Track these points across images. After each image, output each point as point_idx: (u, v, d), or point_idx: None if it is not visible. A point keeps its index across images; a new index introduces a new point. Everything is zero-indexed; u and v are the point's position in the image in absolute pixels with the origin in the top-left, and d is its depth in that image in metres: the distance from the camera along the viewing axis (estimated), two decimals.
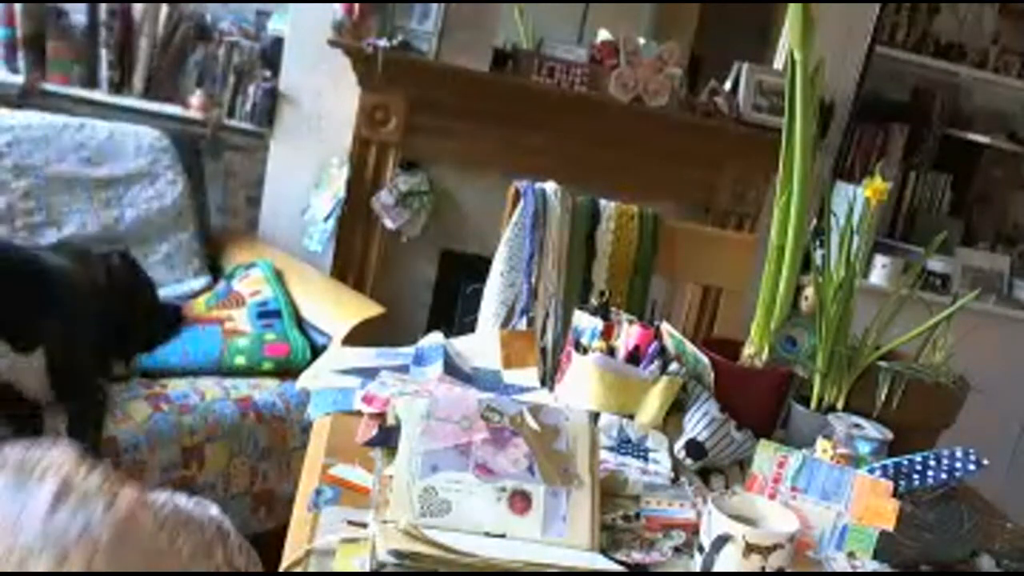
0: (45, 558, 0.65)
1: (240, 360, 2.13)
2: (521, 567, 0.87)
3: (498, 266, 1.66)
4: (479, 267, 2.00)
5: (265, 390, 2.09)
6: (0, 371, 1.74)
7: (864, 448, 1.16)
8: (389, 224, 2.78)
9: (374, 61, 2.58)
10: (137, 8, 2.69)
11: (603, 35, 2.90)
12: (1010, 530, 1.19)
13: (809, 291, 1.34)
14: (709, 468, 1.22)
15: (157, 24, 2.71)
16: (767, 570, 0.92)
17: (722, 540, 0.92)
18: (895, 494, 1.05)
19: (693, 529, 1.02)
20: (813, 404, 1.30)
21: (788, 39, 1.23)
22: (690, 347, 1.27)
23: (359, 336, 2.19)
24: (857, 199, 1.32)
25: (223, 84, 2.79)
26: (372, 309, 2.30)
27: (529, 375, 1.39)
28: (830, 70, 2.92)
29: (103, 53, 2.69)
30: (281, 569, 0.88)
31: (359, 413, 1.16)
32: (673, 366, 1.27)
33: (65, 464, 0.70)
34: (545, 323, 1.63)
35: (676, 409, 1.24)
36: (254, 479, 2.05)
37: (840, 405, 1.28)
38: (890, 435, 1.18)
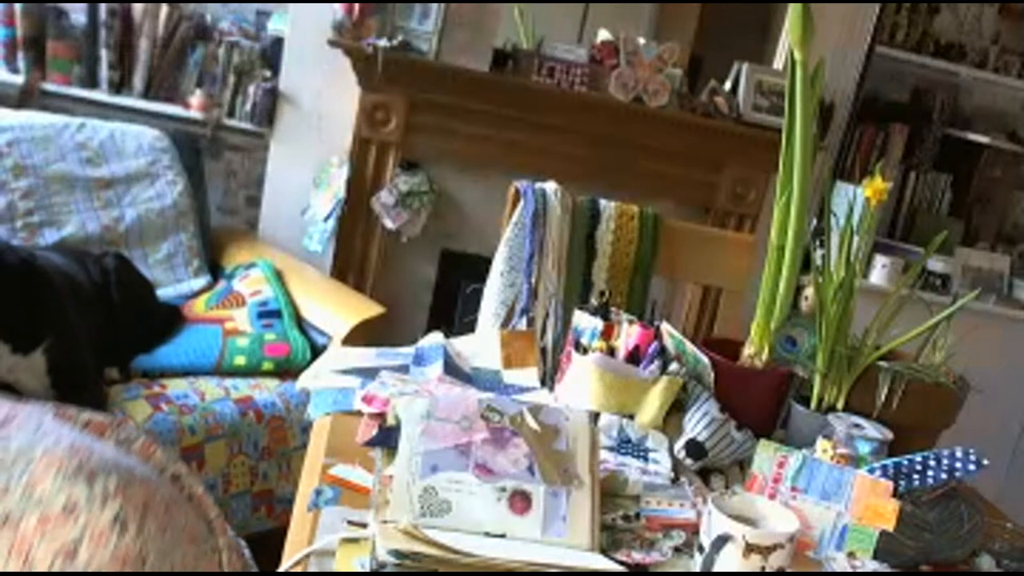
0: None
1: (240, 360, 2.13)
2: (521, 567, 0.87)
3: (498, 266, 1.66)
4: (479, 267, 2.00)
5: (265, 390, 2.09)
6: (0, 372, 1.74)
7: (864, 448, 1.16)
8: (389, 224, 2.78)
9: (374, 61, 2.58)
10: (137, 8, 2.69)
11: (603, 35, 2.90)
12: (1010, 530, 1.19)
13: (809, 291, 1.34)
14: (709, 468, 1.22)
15: (157, 24, 2.71)
16: (767, 570, 0.92)
17: (722, 540, 0.92)
18: (895, 494, 1.05)
19: (693, 529, 1.02)
20: (813, 404, 1.30)
21: (788, 39, 1.23)
22: (690, 347, 1.27)
23: (359, 336, 2.20)
24: (857, 199, 1.32)
25: (223, 84, 2.79)
26: (372, 309, 2.30)
27: (529, 375, 1.39)
28: (830, 70, 2.95)
29: (103, 53, 2.69)
30: (281, 569, 0.88)
31: (359, 413, 1.16)
32: (673, 366, 1.27)
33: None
34: (545, 323, 1.63)
35: (676, 409, 1.24)
36: (254, 479, 2.05)
37: (840, 405, 1.28)
38: (890, 435, 1.18)
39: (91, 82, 2.71)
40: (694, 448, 1.19)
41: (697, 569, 0.95)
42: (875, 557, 1.05)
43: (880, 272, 3.06)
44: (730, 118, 2.89)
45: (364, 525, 0.94)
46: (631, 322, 1.30)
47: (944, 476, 1.08)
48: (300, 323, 2.31)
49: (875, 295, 2.81)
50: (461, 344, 1.44)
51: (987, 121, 3.38)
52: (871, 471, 1.09)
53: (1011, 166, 3.39)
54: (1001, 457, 3.18)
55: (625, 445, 1.20)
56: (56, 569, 0.51)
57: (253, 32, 2.86)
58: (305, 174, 2.84)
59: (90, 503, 0.55)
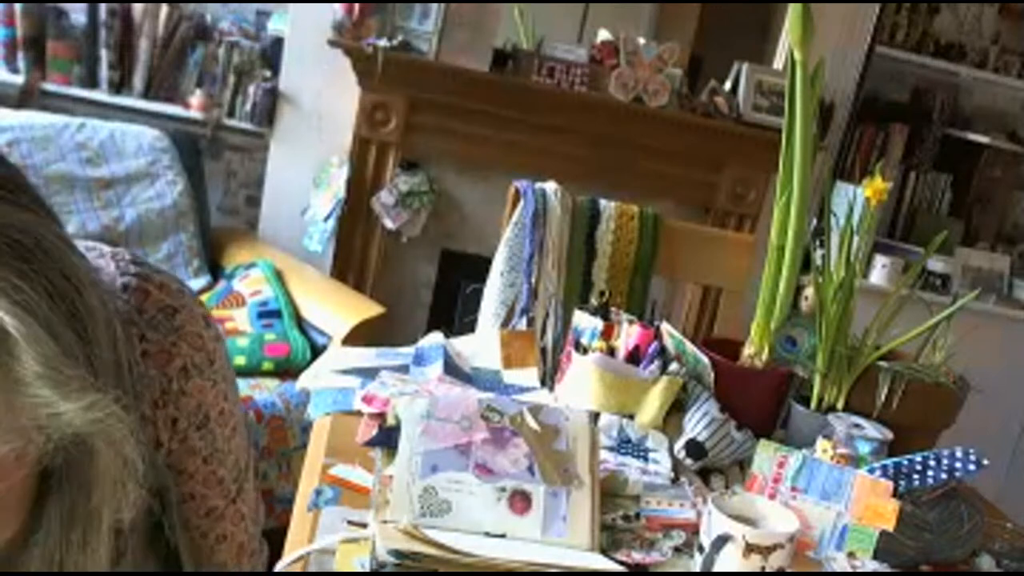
0: None
1: (240, 360, 2.13)
2: (521, 567, 0.87)
3: (498, 266, 1.66)
4: (479, 267, 2.00)
5: (265, 390, 2.09)
6: None
7: (864, 448, 1.16)
8: (389, 224, 2.78)
9: (374, 61, 2.58)
10: (137, 8, 2.69)
11: (603, 35, 2.90)
12: (1010, 530, 1.19)
13: (809, 291, 1.34)
14: (709, 468, 1.22)
15: (157, 24, 2.71)
16: (767, 570, 0.92)
17: (722, 540, 0.92)
18: (895, 494, 1.05)
19: (693, 529, 1.02)
20: (813, 404, 1.30)
21: (788, 39, 1.23)
22: (690, 347, 1.27)
23: (359, 336, 2.20)
24: (857, 199, 1.32)
25: (223, 84, 2.79)
26: (372, 309, 2.30)
27: (529, 375, 1.39)
28: (830, 70, 2.95)
29: (103, 53, 2.69)
30: (279, 566, 0.88)
31: (359, 413, 1.16)
32: (673, 366, 1.27)
33: None
34: (545, 323, 1.63)
35: (676, 409, 1.24)
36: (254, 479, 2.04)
37: (840, 405, 1.28)
38: (890, 435, 1.18)
39: (91, 82, 2.71)
40: (694, 448, 1.19)
41: (697, 569, 0.95)
42: (875, 557, 1.05)
43: (880, 272, 3.06)
44: (730, 118, 2.89)
45: (364, 525, 0.94)
46: (631, 322, 1.30)
47: (944, 476, 1.08)
48: (300, 323, 2.31)
49: (875, 295, 2.81)
50: (461, 344, 1.44)
51: (987, 121, 3.38)
52: (871, 471, 1.09)
53: (1011, 166, 3.39)
54: (1001, 457, 3.18)
55: (625, 445, 1.20)
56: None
57: (253, 32, 2.86)
58: (305, 174, 2.84)
59: (198, 304, 0.71)
